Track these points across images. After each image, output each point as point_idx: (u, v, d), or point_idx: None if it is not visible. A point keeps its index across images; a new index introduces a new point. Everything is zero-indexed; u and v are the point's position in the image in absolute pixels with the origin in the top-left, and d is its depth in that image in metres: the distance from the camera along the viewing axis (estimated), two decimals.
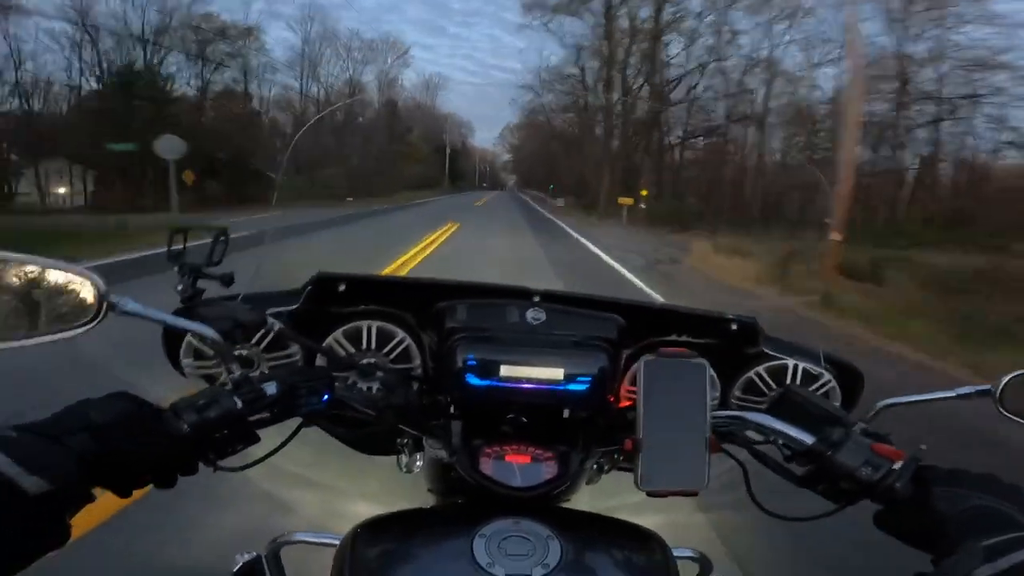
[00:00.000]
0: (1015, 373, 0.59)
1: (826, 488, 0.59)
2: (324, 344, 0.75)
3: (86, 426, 0.45)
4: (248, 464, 0.57)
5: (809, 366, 0.77)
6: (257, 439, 0.56)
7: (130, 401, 0.49)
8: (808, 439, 0.60)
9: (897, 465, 0.55)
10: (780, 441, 0.64)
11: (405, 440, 0.79)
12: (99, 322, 0.50)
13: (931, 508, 0.51)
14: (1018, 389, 0.58)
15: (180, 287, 0.62)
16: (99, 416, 0.46)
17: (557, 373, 0.67)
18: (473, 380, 0.67)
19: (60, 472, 0.42)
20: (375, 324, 0.75)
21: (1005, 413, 0.58)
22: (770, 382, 0.77)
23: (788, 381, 0.76)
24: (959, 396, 0.60)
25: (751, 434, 0.67)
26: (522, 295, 0.76)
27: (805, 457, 0.60)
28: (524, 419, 0.70)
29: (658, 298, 6.54)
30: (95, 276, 0.50)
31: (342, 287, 0.76)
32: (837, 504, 0.60)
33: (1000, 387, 0.58)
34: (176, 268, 0.63)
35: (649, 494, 0.60)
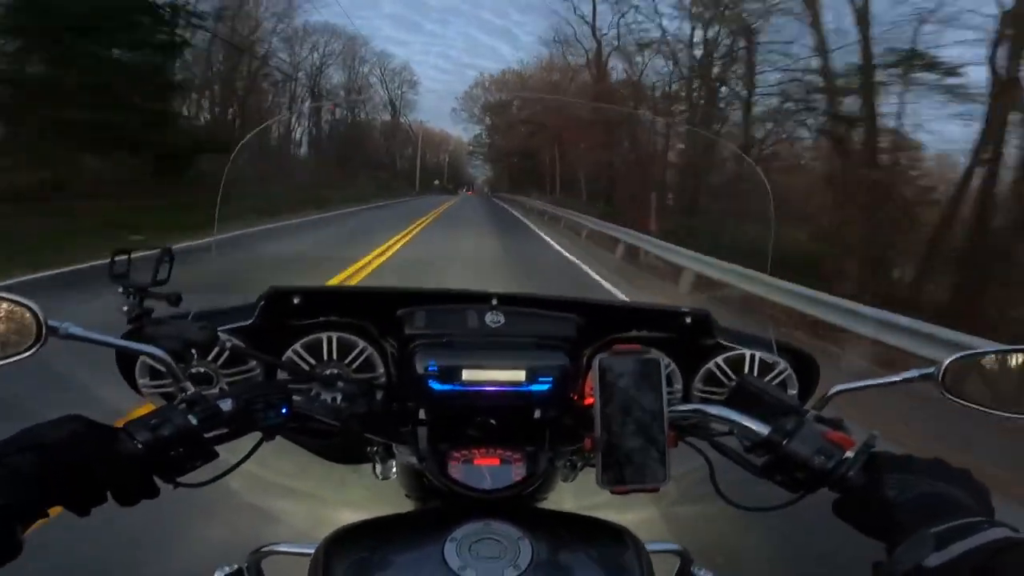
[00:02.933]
0: (954, 356, 0.60)
1: (784, 478, 0.60)
2: (284, 357, 0.75)
3: (34, 446, 0.46)
4: (209, 480, 0.57)
5: (765, 355, 0.78)
6: (215, 456, 0.56)
7: (80, 422, 0.50)
8: (764, 429, 0.61)
9: (849, 453, 0.56)
10: (738, 432, 0.65)
11: (376, 448, 0.79)
12: (40, 347, 0.50)
13: (882, 495, 0.51)
14: (958, 371, 0.60)
15: (126, 308, 0.62)
16: (48, 437, 0.47)
17: (519, 375, 0.68)
18: (436, 386, 0.67)
19: (6, 489, 0.43)
20: (335, 335, 0.75)
21: (948, 396, 0.60)
22: (729, 372, 0.79)
23: (746, 371, 0.78)
24: (904, 380, 0.62)
25: (712, 426, 0.68)
26: (480, 299, 0.77)
27: (763, 447, 0.61)
28: (492, 421, 0.70)
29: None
30: (31, 303, 0.50)
31: (297, 300, 0.76)
32: (796, 494, 0.60)
33: (942, 370, 0.60)
34: (120, 289, 0.62)
35: (612, 492, 0.61)
